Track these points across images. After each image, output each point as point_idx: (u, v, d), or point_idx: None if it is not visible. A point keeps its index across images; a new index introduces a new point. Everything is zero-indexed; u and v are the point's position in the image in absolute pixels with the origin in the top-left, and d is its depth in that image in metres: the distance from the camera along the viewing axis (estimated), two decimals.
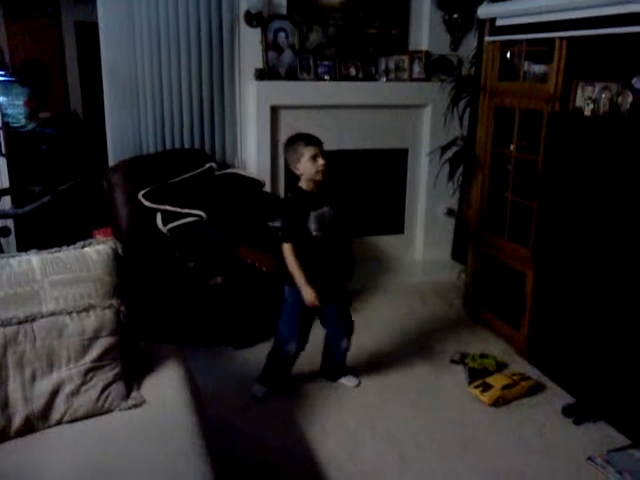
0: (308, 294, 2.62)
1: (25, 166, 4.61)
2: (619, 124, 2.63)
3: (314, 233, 2.64)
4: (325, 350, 3.00)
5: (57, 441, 1.74)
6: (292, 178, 4.33)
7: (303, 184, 2.67)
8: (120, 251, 2.07)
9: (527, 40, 3.20)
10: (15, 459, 1.66)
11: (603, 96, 2.73)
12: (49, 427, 1.80)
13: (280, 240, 2.69)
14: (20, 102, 5.79)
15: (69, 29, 6.91)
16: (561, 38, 2.91)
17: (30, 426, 1.77)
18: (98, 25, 3.77)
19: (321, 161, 2.59)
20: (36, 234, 3.91)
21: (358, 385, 2.99)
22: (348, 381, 3.00)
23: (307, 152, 2.59)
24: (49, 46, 6.87)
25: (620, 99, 2.65)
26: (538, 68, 3.19)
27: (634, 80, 2.62)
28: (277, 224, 2.78)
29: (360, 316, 3.67)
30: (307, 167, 2.60)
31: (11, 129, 5.41)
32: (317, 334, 2.93)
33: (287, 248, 2.65)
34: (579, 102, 2.89)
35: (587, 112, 2.78)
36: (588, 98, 2.79)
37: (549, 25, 2.96)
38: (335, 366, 3.00)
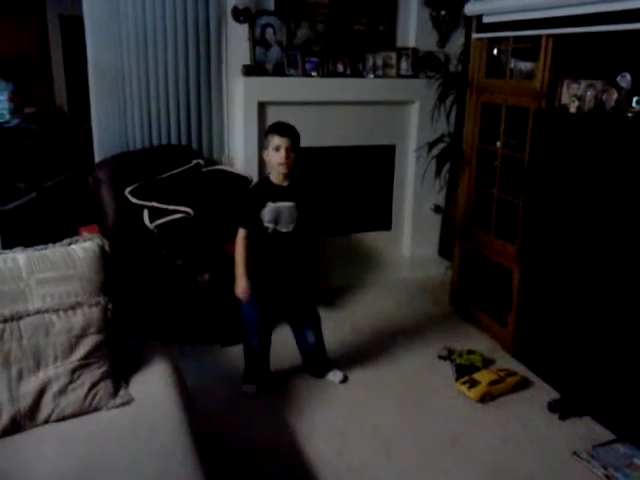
0: (239, 285, 2.67)
1: (10, 162, 4.56)
2: (604, 121, 2.65)
3: (265, 224, 2.64)
4: (298, 347, 3.01)
5: (44, 440, 1.73)
6: None
7: (272, 175, 2.67)
8: (107, 248, 2.06)
9: (514, 37, 3.22)
10: (2, 459, 1.65)
11: (588, 93, 2.75)
12: (36, 426, 1.79)
13: (235, 225, 2.69)
14: (4, 97, 5.73)
15: (54, 23, 6.83)
16: (547, 35, 2.93)
17: (17, 425, 1.76)
18: (83, 19, 3.73)
19: (281, 153, 2.57)
20: (21, 231, 3.87)
21: (345, 380, 2.99)
22: (334, 376, 2.99)
23: (273, 141, 2.59)
24: (33, 40, 6.79)
25: (605, 96, 2.68)
26: (524, 65, 3.21)
27: (619, 78, 2.65)
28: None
29: (347, 312, 3.70)
30: (270, 156, 2.62)
31: None
32: None
33: (240, 233, 2.67)
34: (565, 99, 2.91)
35: (573, 109, 2.80)
36: (574, 95, 2.81)
37: (535, 22, 2.98)
38: (312, 362, 2.99)
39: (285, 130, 2.61)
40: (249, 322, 2.84)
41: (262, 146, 4.01)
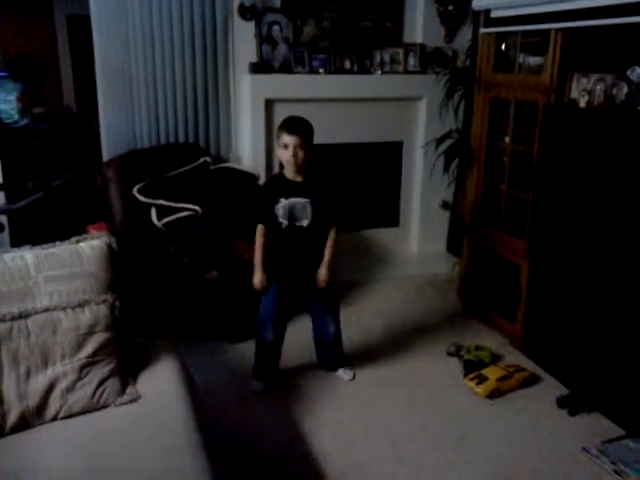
0: (256, 277, 2.69)
1: (18, 162, 4.58)
2: (614, 115, 2.63)
3: (280, 219, 2.64)
4: (315, 340, 3.00)
5: (52, 437, 1.74)
6: None
7: (286, 170, 2.66)
8: (114, 246, 2.06)
9: (522, 32, 3.19)
10: (11, 456, 1.66)
11: (598, 87, 2.73)
12: (44, 423, 1.80)
13: (252, 222, 2.71)
14: (13, 97, 5.74)
15: (61, 23, 6.86)
16: (556, 29, 2.90)
17: (25, 422, 1.77)
18: (90, 19, 3.74)
19: (289, 151, 2.55)
20: (30, 230, 3.89)
21: (353, 379, 2.99)
22: (345, 374, 2.99)
23: (282, 139, 2.58)
24: (41, 41, 6.82)
25: (615, 90, 2.66)
26: (533, 60, 3.18)
27: (629, 71, 2.62)
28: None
29: (356, 309, 3.69)
30: (280, 153, 2.62)
31: (4, 125, 5.38)
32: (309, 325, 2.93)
33: (258, 230, 2.69)
34: (574, 94, 2.89)
35: (582, 104, 2.78)
36: (583, 89, 2.79)
37: (544, 16, 2.96)
38: (329, 354, 2.99)
39: (294, 127, 2.59)
40: (264, 315, 2.83)
41: (272, 143, 4.13)
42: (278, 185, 2.67)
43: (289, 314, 2.94)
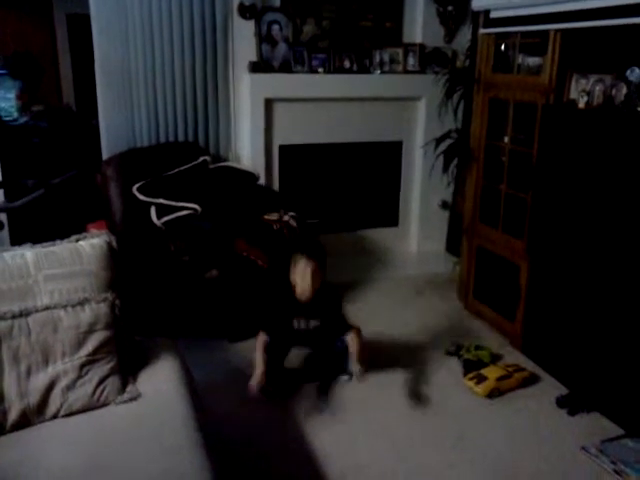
0: (256, 378, 2.63)
1: (18, 159, 4.58)
2: (613, 116, 2.64)
3: (296, 327, 2.78)
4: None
5: (53, 435, 1.74)
6: (286, 171, 4.34)
7: (299, 294, 2.73)
8: (114, 245, 2.07)
9: (521, 32, 3.20)
10: (11, 453, 1.66)
11: (597, 88, 2.73)
12: (45, 421, 1.80)
13: (259, 326, 2.80)
14: (12, 95, 5.74)
15: (61, 21, 6.85)
16: (555, 30, 2.90)
17: (26, 420, 1.77)
18: (90, 17, 3.74)
19: (307, 280, 2.63)
20: (30, 228, 3.89)
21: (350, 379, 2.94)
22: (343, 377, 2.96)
23: (301, 264, 2.65)
24: (41, 39, 6.81)
25: (614, 91, 2.66)
26: (532, 60, 3.19)
27: (628, 72, 2.63)
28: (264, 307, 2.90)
29: (354, 309, 3.68)
30: (297, 280, 2.68)
31: (3, 122, 5.38)
32: None
33: (260, 338, 2.75)
34: (573, 94, 2.89)
35: (581, 104, 2.78)
36: (582, 90, 2.79)
37: (543, 17, 2.96)
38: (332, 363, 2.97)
39: (313, 253, 2.70)
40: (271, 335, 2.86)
41: (271, 142, 4.14)
42: (291, 308, 2.77)
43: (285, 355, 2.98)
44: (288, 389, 2.89)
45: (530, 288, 3.18)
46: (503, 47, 3.42)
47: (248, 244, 3.38)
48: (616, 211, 2.57)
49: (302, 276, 2.67)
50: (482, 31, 3.45)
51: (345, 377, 2.96)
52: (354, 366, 2.70)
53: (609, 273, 2.64)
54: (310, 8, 4.18)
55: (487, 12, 3.38)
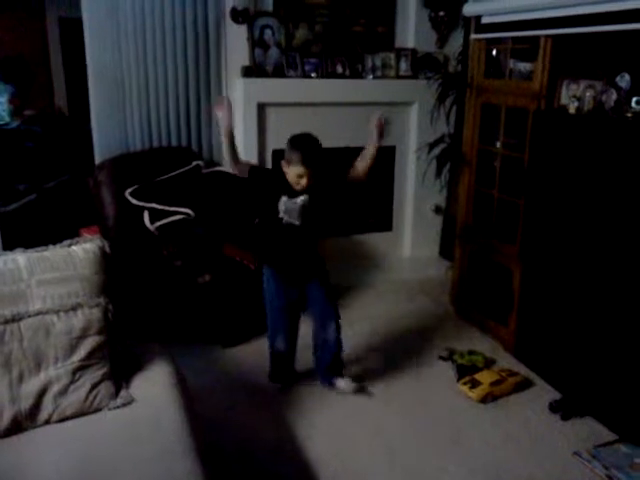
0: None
1: (10, 164, 4.56)
2: (603, 122, 2.65)
3: (281, 215, 2.61)
4: (315, 348, 2.92)
5: (45, 441, 1.73)
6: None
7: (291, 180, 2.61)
8: (107, 249, 2.06)
9: (512, 38, 3.22)
10: (3, 459, 1.65)
11: (588, 94, 2.75)
12: (37, 427, 1.79)
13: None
14: (4, 99, 5.73)
15: (53, 25, 6.83)
16: (546, 36, 2.93)
17: (18, 426, 1.76)
18: (82, 21, 3.73)
19: (302, 181, 2.55)
20: (22, 233, 3.87)
21: (359, 390, 2.89)
22: (345, 385, 2.88)
23: (293, 166, 2.54)
24: (33, 43, 6.79)
25: (604, 97, 2.68)
26: (524, 66, 3.21)
27: (618, 78, 2.65)
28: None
29: (348, 313, 3.68)
30: (288, 174, 2.58)
31: None
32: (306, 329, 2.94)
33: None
34: (564, 100, 2.91)
35: (572, 110, 2.80)
36: (573, 96, 2.81)
37: (534, 23, 2.98)
38: (331, 360, 2.88)
39: (309, 157, 2.54)
40: (275, 324, 2.83)
41: (264, 147, 4.13)
42: (280, 183, 2.61)
43: (298, 320, 2.90)
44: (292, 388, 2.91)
45: (523, 293, 3.19)
46: (495, 52, 3.45)
47: (240, 249, 3.38)
48: (608, 215, 2.59)
49: (294, 177, 2.55)
50: (473, 36, 3.47)
51: (345, 386, 2.89)
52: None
53: (602, 278, 2.65)
54: (303, 13, 4.18)
55: (478, 18, 3.40)
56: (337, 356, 2.90)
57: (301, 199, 2.61)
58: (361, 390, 2.91)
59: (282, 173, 2.62)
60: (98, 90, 3.83)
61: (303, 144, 2.58)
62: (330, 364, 2.89)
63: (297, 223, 2.63)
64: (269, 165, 4.22)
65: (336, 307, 2.87)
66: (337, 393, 2.88)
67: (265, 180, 2.70)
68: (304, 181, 2.56)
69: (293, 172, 2.55)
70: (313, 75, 4.17)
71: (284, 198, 2.61)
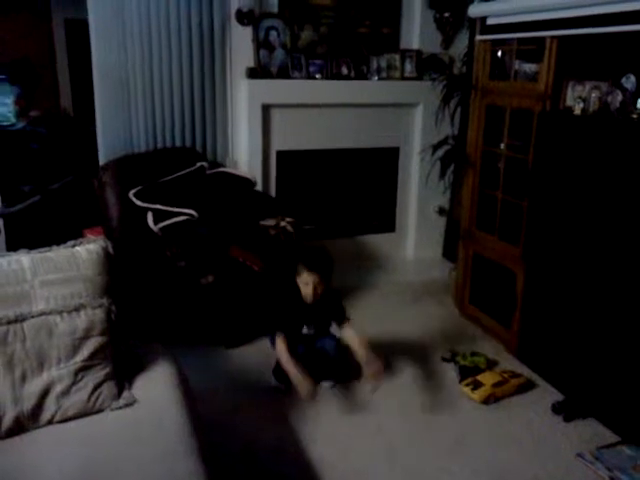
0: (304, 389, 2.60)
1: (15, 165, 4.58)
2: (609, 123, 2.65)
3: (305, 332, 2.83)
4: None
5: (47, 441, 1.73)
6: (283, 177, 4.34)
7: (304, 296, 2.76)
8: (111, 250, 2.06)
9: (518, 39, 3.21)
10: (5, 460, 1.65)
11: (593, 95, 2.74)
12: (40, 427, 1.79)
13: (272, 329, 2.79)
14: (9, 100, 5.74)
15: (59, 27, 6.86)
16: (551, 37, 2.92)
17: (20, 426, 1.76)
18: (88, 23, 3.75)
19: (309, 290, 2.70)
20: (26, 233, 3.89)
21: (333, 387, 2.96)
22: (326, 383, 2.96)
23: (303, 276, 2.70)
24: (39, 44, 6.81)
25: (610, 98, 2.67)
26: (529, 67, 3.20)
27: (623, 79, 2.64)
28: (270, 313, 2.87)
29: (351, 314, 3.68)
30: (301, 287, 2.73)
31: (0, 128, 5.38)
32: None
33: (280, 341, 2.71)
34: (569, 101, 2.90)
35: (577, 111, 2.79)
36: (578, 97, 2.80)
37: (539, 24, 2.98)
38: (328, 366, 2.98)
39: (316, 264, 2.71)
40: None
41: (268, 148, 4.14)
42: (298, 310, 2.79)
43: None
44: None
45: (526, 294, 3.18)
46: (500, 54, 3.44)
47: (244, 250, 3.38)
48: (612, 217, 2.58)
49: (304, 286, 2.73)
50: (479, 38, 3.47)
51: (327, 384, 2.95)
52: (367, 369, 2.68)
53: (605, 279, 2.64)
54: (308, 14, 4.19)
55: (484, 19, 3.39)
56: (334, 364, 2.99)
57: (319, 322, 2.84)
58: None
59: (295, 303, 2.78)
60: (103, 91, 3.84)
61: (308, 255, 2.81)
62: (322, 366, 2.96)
63: (318, 331, 2.88)
64: (272, 168, 4.24)
65: (344, 314, 2.91)
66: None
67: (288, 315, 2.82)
68: (310, 291, 2.71)
69: (303, 281, 2.72)
70: (318, 76, 4.17)
71: (305, 328, 2.83)
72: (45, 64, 6.80)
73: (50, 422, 1.81)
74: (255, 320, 3.32)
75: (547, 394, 2.93)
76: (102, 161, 3.86)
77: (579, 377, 2.82)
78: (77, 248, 2.00)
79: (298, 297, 2.77)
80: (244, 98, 4.03)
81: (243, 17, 3.93)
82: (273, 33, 4.07)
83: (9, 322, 1.78)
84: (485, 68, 3.47)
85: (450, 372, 3.11)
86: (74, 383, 1.84)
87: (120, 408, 1.88)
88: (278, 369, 2.90)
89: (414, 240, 4.83)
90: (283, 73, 4.10)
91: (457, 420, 2.73)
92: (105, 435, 1.77)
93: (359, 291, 4.14)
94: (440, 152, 4.36)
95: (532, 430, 2.66)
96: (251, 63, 4.02)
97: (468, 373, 3.01)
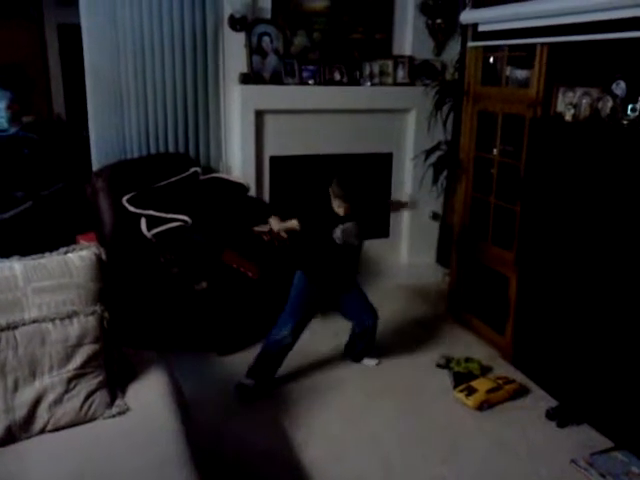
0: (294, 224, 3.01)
1: (7, 171, 4.56)
2: (599, 129, 2.66)
3: (337, 241, 2.86)
4: (357, 334, 3.18)
5: (40, 451, 1.72)
6: (277, 182, 4.34)
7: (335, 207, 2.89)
8: (104, 257, 2.05)
9: (509, 46, 3.23)
10: None
11: (584, 101, 2.76)
12: (32, 436, 1.78)
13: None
14: (2, 106, 5.73)
15: (52, 32, 6.85)
16: (542, 44, 2.94)
17: (12, 436, 1.75)
18: (81, 28, 3.74)
19: (341, 210, 2.86)
20: (18, 240, 3.87)
21: (379, 364, 3.23)
22: (370, 361, 3.24)
23: (337, 200, 2.86)
24: (31, 49, 6.80)
25: (600, 104, 2.69)
26: (520, 73, 3.22)
27: (614, 85, 2.66)
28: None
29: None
30: (334, 206, 2.89)
31: None
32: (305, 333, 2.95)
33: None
34: (560, 107, 2.92)
35: (568, 117, 2.81)
36: (569, 103, 2.82)
37: (530, 31, 3.00)
38: (366, 343, 3.19)
39: (351, 196, 2.86)
40: (292, 314, 2.91)
41: (262, 153, 4.15)
42: (332, 219, 2.90)
43: (310, 319, 3.02)
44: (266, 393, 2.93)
45: (519, 300, 3.19)
46: (491, 60, 3.46)
47: (238, 256, 3.38)
48: (604, 222, 2.59)
49: (337, 207, 2.88)
50: (470, 44, 3.49)
51: (369, 362, 3.23)
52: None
53: (598, 285, 2.65)
54: (301, 20, 4.20)
55: (475, 25, 3.41)
56: (373, 339, 3.21)
57: (350, 224, 2.88)
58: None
59: (328, 214, 2.90)
60: (96, 97, 3.84)
61: (348, 182, 2.93)
62: (365, 347, 3.21)
63: (356, 243, 2.95)
64: (266, 174, 4.24)
65: (372, 305, 3.18)
66: (327, 394, 2.89)
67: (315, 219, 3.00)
68: (342, 212, 2.87)
69: (337, 204, 2.88)
70: (311, 82, 4.18)
71: (340, 227, 2.86)
72: (38, 69, 6.79)
73: (42, 431, 1.79)
74: (248, 327, 3.31)
75: (541, 400, 2.93)
76: (95, 167, 3.85)
77: (573, 383, 2.83)
78: (70, 255, 1.99)
79: (330, 208, 2.90)
80: (237, 104, 4.03)
81: (236, 23, 3.94)
82: (266, 39, 4.08)
83: (1, 329, 1.77)
84: (477, 74, 3.48)
85: (444, 378, 3.11)
86: (67, 391, 1.83)
87: (113, 416, 1.87)
88: (256, 366, 2.90)
89: (408, 245, 4.83)
90: (276, 79, 4.10)
91: (451, 426, 2.73)
92: (98, 444, 1.76)
93: None
94: (433, 158, 4.37)
95: (526, 436, 2.67)
96: (244, 69, 4.02)
97: (462, 379, 3.01)
